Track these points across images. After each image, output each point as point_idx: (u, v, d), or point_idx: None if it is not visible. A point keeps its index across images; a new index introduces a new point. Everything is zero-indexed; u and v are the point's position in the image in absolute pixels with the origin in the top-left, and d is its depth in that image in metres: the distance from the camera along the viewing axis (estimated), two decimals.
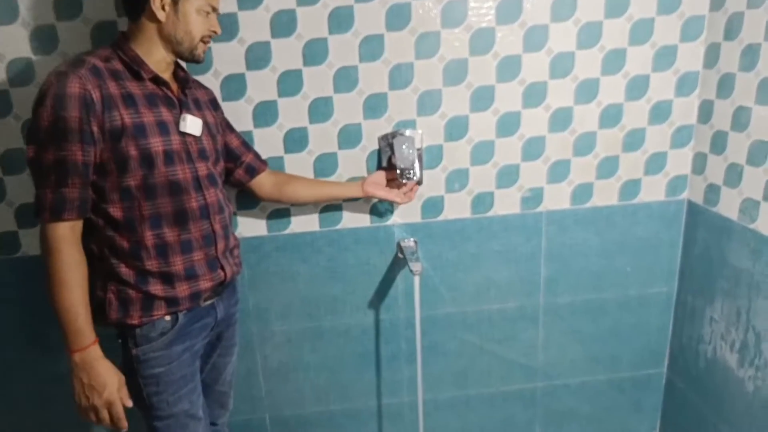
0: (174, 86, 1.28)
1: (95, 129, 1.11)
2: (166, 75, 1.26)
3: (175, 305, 1.23)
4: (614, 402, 1.99)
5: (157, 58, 1.22)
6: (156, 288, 1.21)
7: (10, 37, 1.43)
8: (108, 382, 1.17)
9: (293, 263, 1.71)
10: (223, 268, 1.32)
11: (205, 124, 1.31)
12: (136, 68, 1.19)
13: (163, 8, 1.17)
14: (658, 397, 1.99)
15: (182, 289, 1.24)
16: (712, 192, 1.66)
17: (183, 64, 1.33)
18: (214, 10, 1.25)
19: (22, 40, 1.44)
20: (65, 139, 1.09)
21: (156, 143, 1.17)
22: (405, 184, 1.60)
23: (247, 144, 1.51)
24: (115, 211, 1.17)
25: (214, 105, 1.43)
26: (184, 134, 1.24)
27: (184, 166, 1.22)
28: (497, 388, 1.93)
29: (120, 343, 1.25)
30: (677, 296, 1.87)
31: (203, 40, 1.25)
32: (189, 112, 1.27)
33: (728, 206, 1.60)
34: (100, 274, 1.21)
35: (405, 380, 1.87)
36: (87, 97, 1.09)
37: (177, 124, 1.23)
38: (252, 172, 1.50)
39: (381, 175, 1.61)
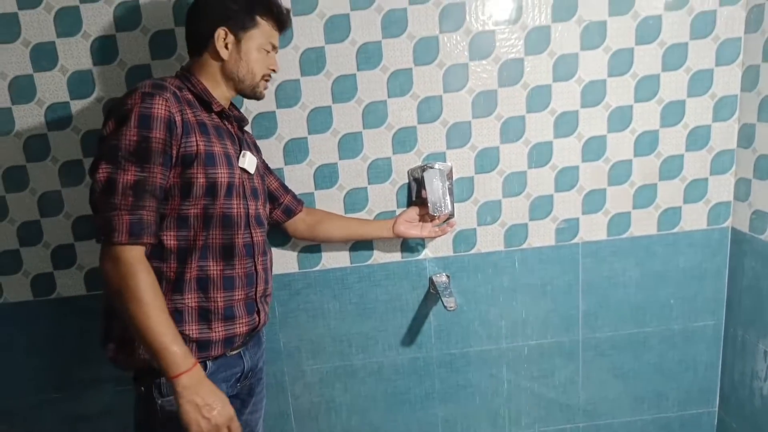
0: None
1: (174, 153, 1.10)
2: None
3: (206, 350, 1.18)
4: None
5: (218, 94, 1.24)
6: (191, 327, 1.16)
7: (49, 83, 1.48)
8: (223, 397, 1.11)
9: (324, 300, 1.68)
10: (258, 313, 1.28)
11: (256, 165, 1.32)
12: (207, 100, 1.20)
13: (226, 47, 1.20)
14: None
15: (217, 331, 1.19)
16: (759, 219, 1.59)
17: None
18: (274, 48, 1.28)
19: (60, 86, 1.48)
20: (148, 160, 1.06)
21: (222, 174, 1.16)
22: (437, 218, 1.57)
23: (284, 185, 1.52)
24: (169, 239, 1.14)
25: (257, 148, 1.45)
26: (242, 170, 1.24)
27: (239, 201, 1.21)
28: (536, 428, 1.84)
29: (142, 392, 1.18)
30: (725, 329, 1.78)
31: (264, 78, 1.27)
32: (247, 149, 1.28)
33: None
34: None
35: (439, 420, 1.80)
36: (172, 120, 1.08)
37: (237, 159, 1.24)
38: (289, 213, 1.51)
39: (413, 212, 1.58)
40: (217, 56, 1.21)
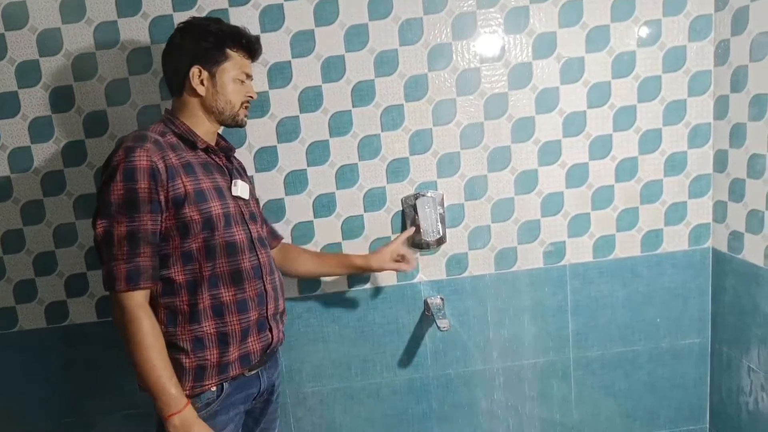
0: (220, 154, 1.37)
1: (162, 198, 1.16)
2: (213, 144, 1.35)
3: (225, 372, 1.25)
4: None
5: (204, 130, 1.32)
6: (212, 352, 1.23)
7: (66, 123, 1.59)
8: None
9: (324, 324, 1.76)
10: (270, 330, 1.33)
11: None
12: (191, 139, 1.27)
13: (202, 83, 1.28)
14: None
15: (234, 352, 1.25)
16: (736, 239, 1.67)
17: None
18: (248, 76, 1.35)
19: (77, 125, 1.59)
20: (136, 209, 1.14)
21: (215, 207, 1.23)
22: (428, 245, 1.66)
23: (264, 218, 1.56)
24: (177, 275, 1.21)
25: (246, 173, 1.52)
26: (236, 198, 1.32)
27: (239, 228, 1.28)
28: None
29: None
30: (712, 347, 1.84)
31: (243, 106, 1.34)
32: (237, 177, 1.36)
33: (753, 252, 1.61)
34: None
35: None
36: (154, 168, 1.15)
37: (230, 189, 1.31)
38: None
39: (395, 245, 1.59)
40: (194, 93, 1.28)
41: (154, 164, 1.16)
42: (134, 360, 1.15)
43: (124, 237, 1.14)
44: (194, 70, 1.27)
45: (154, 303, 1.22)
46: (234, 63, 1.30)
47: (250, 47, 1.34)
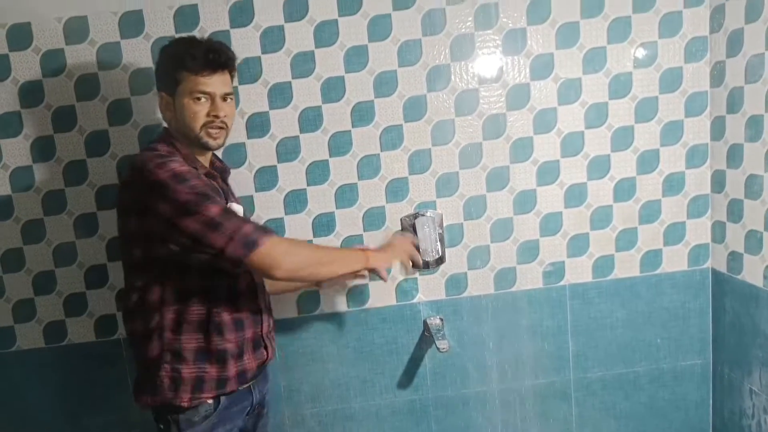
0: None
1: None
2: (207, 166, 1.35)
3: (222, 387, 1.25)
4: None
5: (197, 154, 1.31)
6: (211, 367, 1.23)
7: (68, 143, 1.60)
8: (392, 250, 1.45)
9: (323, 344, 1.75)
10: (266, 348, 1.35)
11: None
12: (192, 165, 1.26)
13: (168, 109, 1.28)
14: None
15: (231, 369, 1.26)
16: (735, 260, 1.67)
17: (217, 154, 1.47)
18: (206, 93, 1.24)
19: (78, 145, 1.61)
20: (208, 196, 1.14)
21: None
22: (427, 265, 1.66)
23: None
24: (193, 284, 1.22)
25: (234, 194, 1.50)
26: None
27: None
28: None
29: (160, 429, 1.25)
30: (713, 368, 1.82)
31: (206, 126, 1.25)
32: (232, 199, 1.37)
33: (752, 273, 1.60)
34: (156, 352, 1.22)
35: None
36: (192, 170, 1.20)
37: None
38: None
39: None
40: (166, 118, 1.30)
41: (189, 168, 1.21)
42: (324, 272, 1.29)
43: (223, 213, 1.13)
44: (161, 97, 1.29)
45: (167, 308, 1.21)
46: (188, 81, 1.23)
47: (200, 63, 1.22)
